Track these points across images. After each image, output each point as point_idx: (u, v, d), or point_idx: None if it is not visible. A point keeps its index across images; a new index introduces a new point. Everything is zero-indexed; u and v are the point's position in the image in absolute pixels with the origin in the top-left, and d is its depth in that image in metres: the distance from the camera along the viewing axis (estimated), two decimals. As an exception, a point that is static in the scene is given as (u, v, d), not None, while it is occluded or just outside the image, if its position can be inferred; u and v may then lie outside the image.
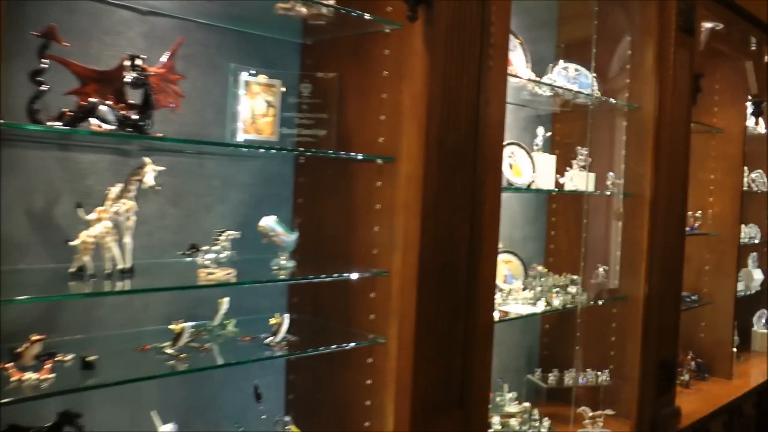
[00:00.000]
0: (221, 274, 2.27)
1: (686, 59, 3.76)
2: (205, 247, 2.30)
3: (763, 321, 5.73)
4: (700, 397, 4.45)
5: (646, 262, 3.72)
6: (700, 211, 4.72)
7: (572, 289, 3.72)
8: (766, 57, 4.79)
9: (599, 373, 3.86)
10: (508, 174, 3.40)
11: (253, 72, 2.46)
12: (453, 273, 2.62)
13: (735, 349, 4.99)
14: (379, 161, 2.60)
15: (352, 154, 2.64)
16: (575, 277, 3.77)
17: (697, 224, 4.67)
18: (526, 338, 4.17)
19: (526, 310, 3.35)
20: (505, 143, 3.23)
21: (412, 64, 2.45)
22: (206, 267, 2.28)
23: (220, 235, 2.33)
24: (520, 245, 4.03)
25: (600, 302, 3.79)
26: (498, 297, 3.42)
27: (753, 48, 4.68)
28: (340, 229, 2.78)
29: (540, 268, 3.87)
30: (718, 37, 4.20)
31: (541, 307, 3.42)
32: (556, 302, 3.55)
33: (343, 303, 2.75)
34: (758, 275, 5.60)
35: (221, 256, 2.31)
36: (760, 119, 5.24)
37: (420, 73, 2.44)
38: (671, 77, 3.66)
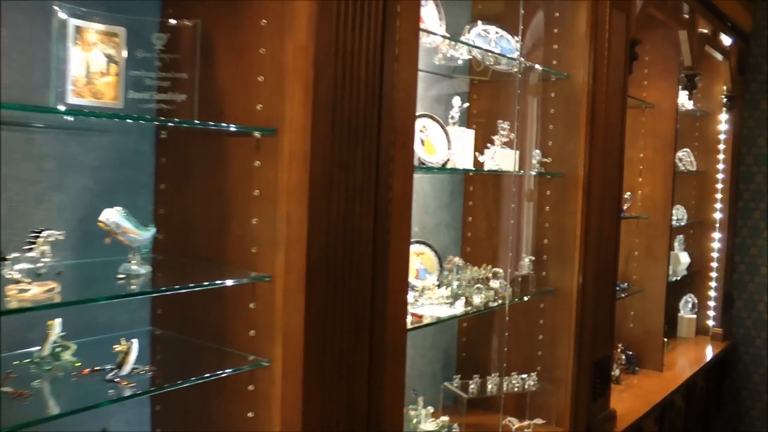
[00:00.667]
0: (38, 291, 1.67)
1: (622, 23, 3.34)
2: (14, 255, 1.69)
3: (690, 306, 5.47)
4: (632, 393, 4.09)
5: (579, 251, 3.30)
6: (629, 193, 4.35)
7: (495, 284, 3.26)
8: (699, 27, 4.43)
9: (525, 376, 3.42)
10: (419, 151, 2.90)
11: (80, 12, 1.85)
12: (354, 275, 2.09)
13: (665, 339, 4.67)
14: (257, 134, 2.05)
15: (223, 125, 2.07)
16: (498, 270, 3.31)
17: (626, 206, 4.30)
18: (442, 339, 3.69)
19: (444, 312, 2.86)
20: (416, 115, 2.73)
21: (297, 10, 1.89)
22: (18, 282, 1.68)
23: (37, 238, 1.72)
24: (434, 234, 3.54)
25: (525, 298, 3.35)
26: (410, 296, 2.92)
27: (686, 16, 4.31)
28: (213, 221, 2.21)
29: (457, 259, 3.40)
30: (652, 2, 3.79)
31: (460, 307, 2.93)
32: (477, 300, 3.08)
33: (218, 315, 2.19)
34: (685, 258, 5.32)
35: (39, 265, 1.71)
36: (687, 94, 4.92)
37: (306, 20, 1.88)
38: (606, 42, 3.22)
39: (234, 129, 2.07)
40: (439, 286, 3.15)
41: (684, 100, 4.93)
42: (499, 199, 3.63)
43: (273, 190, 2.04)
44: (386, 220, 2.17)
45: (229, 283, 2.03)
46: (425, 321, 2.73)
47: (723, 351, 5.25)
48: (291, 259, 1.98)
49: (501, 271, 3.31)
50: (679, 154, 5.21)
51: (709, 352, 5.14)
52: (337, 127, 2.01)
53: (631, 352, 4.46)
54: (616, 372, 4.22)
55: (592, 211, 3.24)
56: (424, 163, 2.90)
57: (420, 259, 3.25)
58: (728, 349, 5.39)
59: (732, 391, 5.62)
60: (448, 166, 3.02)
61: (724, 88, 5.29)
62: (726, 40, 5.05)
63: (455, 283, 3.33)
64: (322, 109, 1.95)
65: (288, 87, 1.96)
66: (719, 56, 5.06)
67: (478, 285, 3.17)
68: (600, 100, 3.26)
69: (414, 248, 3.23)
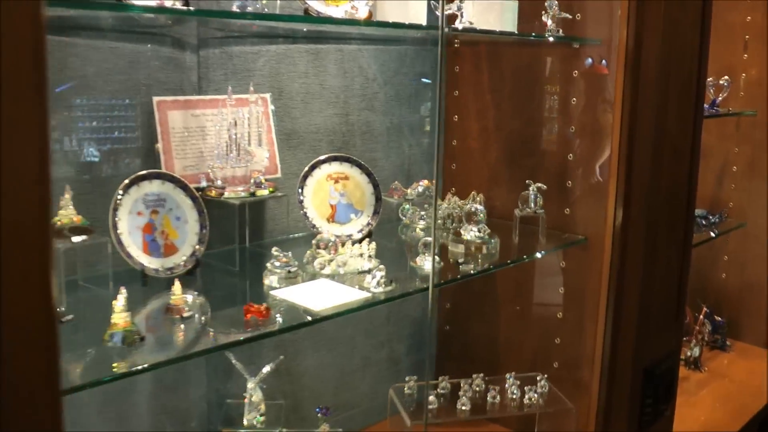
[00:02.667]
0: None
1: None
2: None
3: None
4: (721, 390, 2.65)
5: (617, 172, 1.87)
6: (726, 77, 2.80)
7: (471, 233, 1.89)
8: None
9: (533, 378, 2.09)
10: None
11: None
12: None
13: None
14: None
15: None
16: (477, 206, 1.93)
17: (719, 97, 2.77)
18: (411, 304, 2.37)
19: (338, 296, 1.53)
20: None
21: None
22: None
23: None
24: (387, 145, 2.19)
25: (528, 257, 1.97)
26: (276, 268, 1.59)
27: None
28: None
29: (424, 183, 2.05)
30: None
31: (375, 285, 1.58)
32: (428, 265, 1.73)
33: None
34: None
35: None
36: None
37: None
38: None
39: None
40: (363, 238, 1.81)
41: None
42: (500, 84, 2.21)
43: None
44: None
45: None
46: (270, 326, 1.39)
47: None
48: None
49: (481, 207, 1.93)
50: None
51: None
52: None
53: (720, 319, 3.00)
54: (695, 351, 2.80)
55: (642, 100, 1.78)
56: (318, 14, 1.54)
57: (339, 187, 1.91)
58: None
59: None
60: (359, 16, 1.63)
61: None
62: None
63: (420, 225, 2.02)
64: None
65: None
66: None
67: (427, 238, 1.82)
68: None
69: (330, 168, 1.90)
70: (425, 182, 2.09)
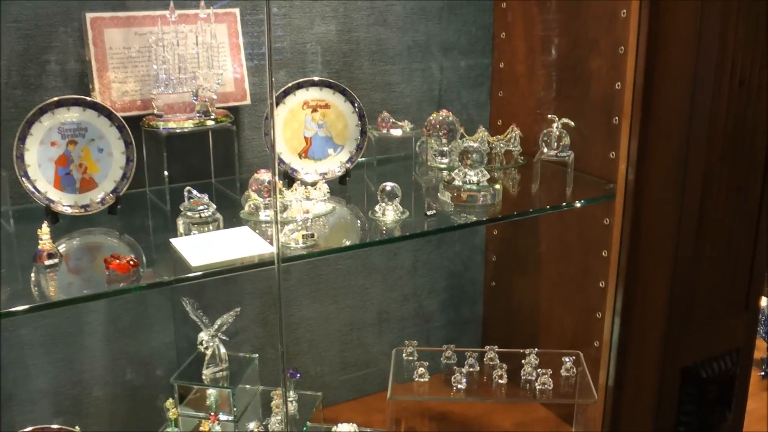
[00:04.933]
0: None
1: None
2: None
3: None
4: None
5: (632, 113, 1.40)
6: None
7: (463, 179, 1.53)
8: None
9: (564, 362, 1.71)
10: None
11: None
12: None
13: None
14: None
15: None
16: (472, 144, 1.55)
17: None
18: (446, 250, 2.05)
19: (234, 250, 1.27)
20: None
21: None
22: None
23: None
24: (408, 67, 1.85)
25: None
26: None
27: None
28: None
29: (441, 115, 1.72)
30: None
31: (289, 240, 1.31)
32: (391, 215, 1.42)
33: None
34: None
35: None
36: None
37: None
38: None
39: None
40: (344, 177, 1.55)
41: None
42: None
43: None
44: None
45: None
46: (134, 281, 1.18)
47: None
48: None
49: (475, 146, 1.55)
50: None
51: None
52: None
53: None
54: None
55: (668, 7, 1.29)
56: None
57: (318, 117, 1.63)
58: None
59: None
60: None
61: None
62: None
63: (442, 163, 1.73)
64: None
65: None
66: None
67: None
68: None
69: (305, 95, 1.63)
70: (445, 112, 1.74)
